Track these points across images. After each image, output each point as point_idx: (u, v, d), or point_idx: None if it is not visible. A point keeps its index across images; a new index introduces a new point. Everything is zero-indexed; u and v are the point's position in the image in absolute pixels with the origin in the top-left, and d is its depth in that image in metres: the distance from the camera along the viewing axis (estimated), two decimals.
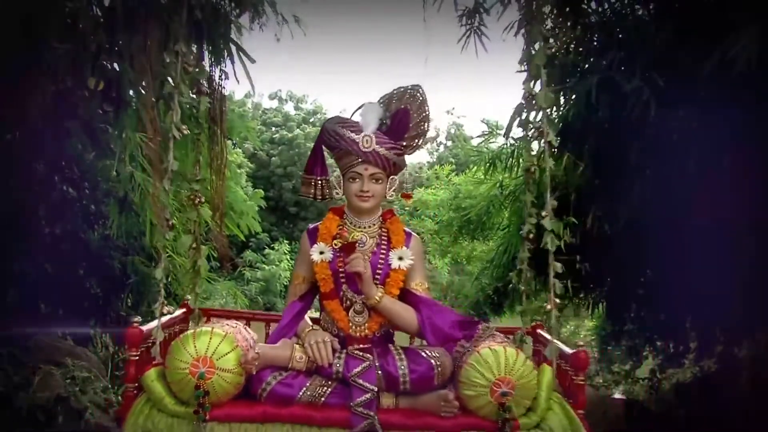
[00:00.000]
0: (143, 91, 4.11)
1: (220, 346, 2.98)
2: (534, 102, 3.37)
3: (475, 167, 8.35)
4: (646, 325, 6.59)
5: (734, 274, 4.58)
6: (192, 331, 3.10)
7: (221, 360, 2.96)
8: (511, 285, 7.28)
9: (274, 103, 34.38)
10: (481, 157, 7.45)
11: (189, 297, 3.81)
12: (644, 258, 5.41)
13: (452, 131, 34.35)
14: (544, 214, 3.27)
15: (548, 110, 3.38)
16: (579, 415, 3.06)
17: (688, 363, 6.72)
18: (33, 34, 4.28)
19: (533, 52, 3.38)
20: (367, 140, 3.32)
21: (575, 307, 7.26)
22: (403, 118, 3.43)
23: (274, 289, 23.29)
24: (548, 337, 3.42)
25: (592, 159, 4.87)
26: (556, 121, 3.54)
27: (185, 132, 3.29)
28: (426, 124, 3.50)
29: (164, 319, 3.33)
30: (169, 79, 3.46)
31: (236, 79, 3.97)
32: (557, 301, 3.25)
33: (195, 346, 2.97)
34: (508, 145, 6.75)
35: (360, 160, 3.34)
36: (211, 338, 3.00)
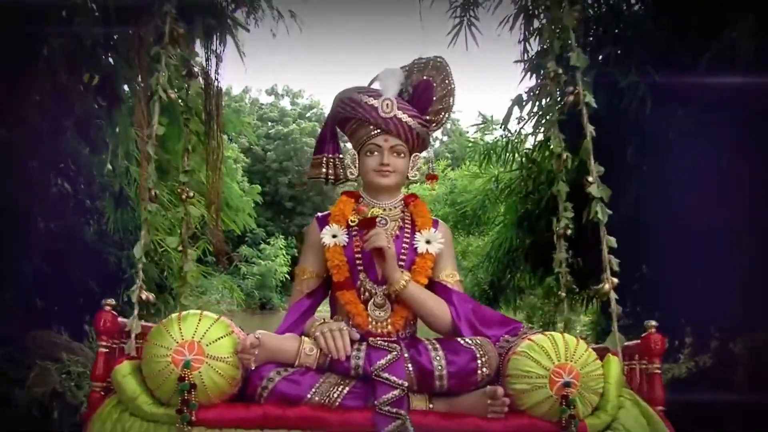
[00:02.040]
0: (138, 86, 4.11)
1: (211, 330, 2.39)
2: (557, 79, 3.23)
3: (470, 162, 8.37)
4: (641, 320, 6.59)
5: (730, 270, 4.59)
6: (177, 313, 2.52)
7: (212, 346, 2.36)
8: (506, 279, 7.34)
9: (271, 99, 34.43)
10: (476, 148, 7.46)
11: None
12: (640, 253, 5.41)
13: (448, 126, 34.38)
14: (590, 179, 2.95)
15: (581, 72, 3.12)
16: (659, 413, 2.56)
17: (683, 358, 6.72)
18: (29, 29, 4.28)
19: (561, 13, 3.12)
20: (387, 104, 2.89)
21: (571, 302, 7.28)
22: (426, 89, 3.01)
23: (269, 284, 23.33)
24: (596, 346, 2.90)
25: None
26: (550, 116, 3.45)
27: (172, 96, 3.02)
28: (451, 98, 3.06)
29: (146, 323, 2.86)
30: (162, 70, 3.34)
31: (241, 54, 3.88)
32: (615, 280, 2.94)
33: (180, 329, 2.38)
34: (503, 138, 6.77)
35: (379, 130, 2.90)
36: (200, 320, 2.42)
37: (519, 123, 6.10)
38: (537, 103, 4.59)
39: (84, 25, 4.23)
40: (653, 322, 2.65)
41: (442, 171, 15.28)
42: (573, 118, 3.15)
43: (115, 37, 4.40)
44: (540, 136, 3.43)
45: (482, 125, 7.97)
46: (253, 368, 2.45)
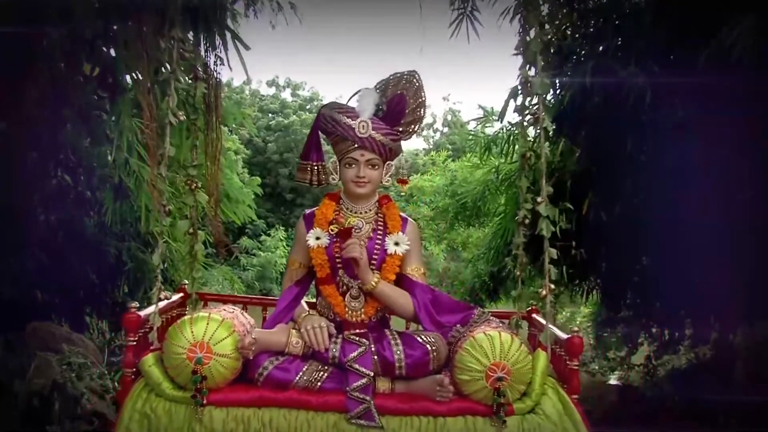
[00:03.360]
0: (139, 77, 4.10)
1: (217, 332, 2.98)
2: (530, 87, 3.37)
3: (471, 153, 8.35)
4: (641, 312, 6.60)
5: (730, 263, 4.59)
6: (189, 316, 3.09)
7: (218, 345, 2.96)
8: (506, 270, 7.35)
9: (272, 90, 34.36)
10: (477, 141, 7.45)
11: (186, 282, 3.83)
12: (640, 245, 5.42)
13: (449, 117, 34.33)
14: (539, 200, 3.27)
15: (544, 96, 3.37)
16: (573, 400, 3.07)
17: (683, 349, 6.74)
18: (29, 20, 4.27)
19: (528, 38, 3.37)
20: (363, 126, 3.31)
21: (571, 294, 7.28)
22: (399, 103, 3.40)
23: (270, 275, 23.32)
24: (543, 321, 3.43)
25: (588, 145, 4.87)
26: (551, 106, 3.51)
27: (182, 118, 3.29)
28: (422, 110, 3.47)
29: (163, 303, 3.37)
30: (166, 65, 3.43)
31: (229, 67, 3.96)
32: (552, 287, 3.26)
33: (192, 332, 2.97)
34: (504, 130, 6.76)
35: (356, 145, 3.31)
36: (208, 323, 2.99)
37: (519, 115, 6.09)
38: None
39: (84, 17, 4.22)
40: (576, 328, 3.23)
41: (442, 162, 15.28)
42: (573, 112, 3.19)
43: (115, 27, 4.39)
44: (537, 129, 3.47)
45: (482, 119, 7.95)
46: (251, 358, 3.05)
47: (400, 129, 3.44)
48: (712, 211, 4.45)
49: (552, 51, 4.99)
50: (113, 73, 4.70)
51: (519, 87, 3.45)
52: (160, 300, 3.30)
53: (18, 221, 5.44)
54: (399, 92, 3.42)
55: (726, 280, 4.63)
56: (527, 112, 3.45)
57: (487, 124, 7.87)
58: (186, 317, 3.09)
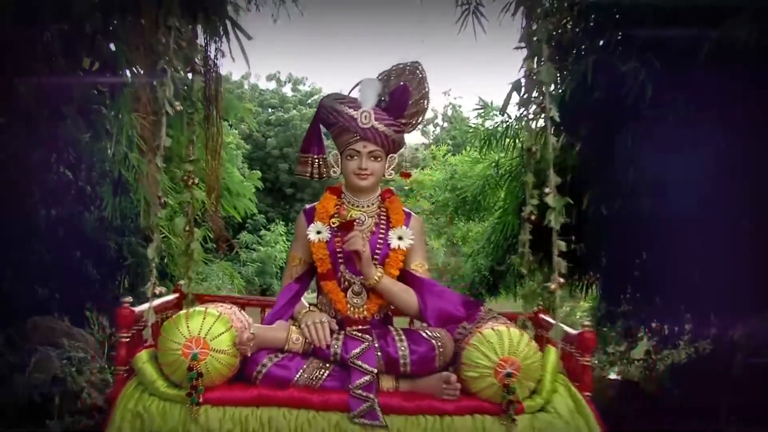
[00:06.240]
0: (139, 71, 4.10)
1: (214, 327, 2.91)
2: (535, 78, 3.30)
3: (471, 147, 8.34)
4: (641, 307, 6.60)
5: (730, 257, 4.59)
6: (185, 311, 3.03)
7: (215, 341, 2.89)
8: (506, 265, 7.34)
9: (272, 85, 34.31)
10: (476, 134, 7.43)
11: (182, 282, 3.72)
12: (640, 240, 5.41)
13: (449, 112, 34.29)
14: (547, 190, 3.16)
15: (550, 86, 3.27)
16: (585, 398, 2.99)
17: (683, 344, 6.73)
18: (28, 15, 4.26)
19: (533, 27, 3.31)
20: (365, 116, 3.25)
21: (570, 289, 7.27)
22: (402, 94, 3.35)
23: (270, 271, 23.33)
24: (552, 321, 3.34)
25: (588, 140, 4.86)
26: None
27: (178, 108, 3.21)
28: (425, 101, 3.41)
29: (157, 301, 3.27)
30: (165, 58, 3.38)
31: (232, 57, 3.93)
32: (561, 281, 3.14)
33: (188, 326, 2.90)
34: (503, 123, 6.75)
35: (358, 137, 3.26)
36: (204, 318, 2.93)
37: (519, 109, 6.09)
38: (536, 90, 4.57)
39: (83, 11, 4.22)
40: (587, 322, 3.17)
41: (442, 156, 15.25)
42: (573, 105, 3.17)
43: (115, 22, 4.38)
44: (540, 122, 3.43)
45: (481, 110, 7.94)
46: (249, 355, 2.98)
47: (403, 121, 3.37)
48: (713, 205, 4.44)
49: (553, 44, 4.98)
50: (113, 68, 4.69)
51: (523, 79, 3.40)
52: (155, 295, 3.17)
53: (18, 216, 5.44)
54: (402, 83, 3.36)
55: (726, 274, 4.62)
56: (532, 104, 3.38)
57: (486, 117, 7.86)
58: (182, 312, 3.03)
